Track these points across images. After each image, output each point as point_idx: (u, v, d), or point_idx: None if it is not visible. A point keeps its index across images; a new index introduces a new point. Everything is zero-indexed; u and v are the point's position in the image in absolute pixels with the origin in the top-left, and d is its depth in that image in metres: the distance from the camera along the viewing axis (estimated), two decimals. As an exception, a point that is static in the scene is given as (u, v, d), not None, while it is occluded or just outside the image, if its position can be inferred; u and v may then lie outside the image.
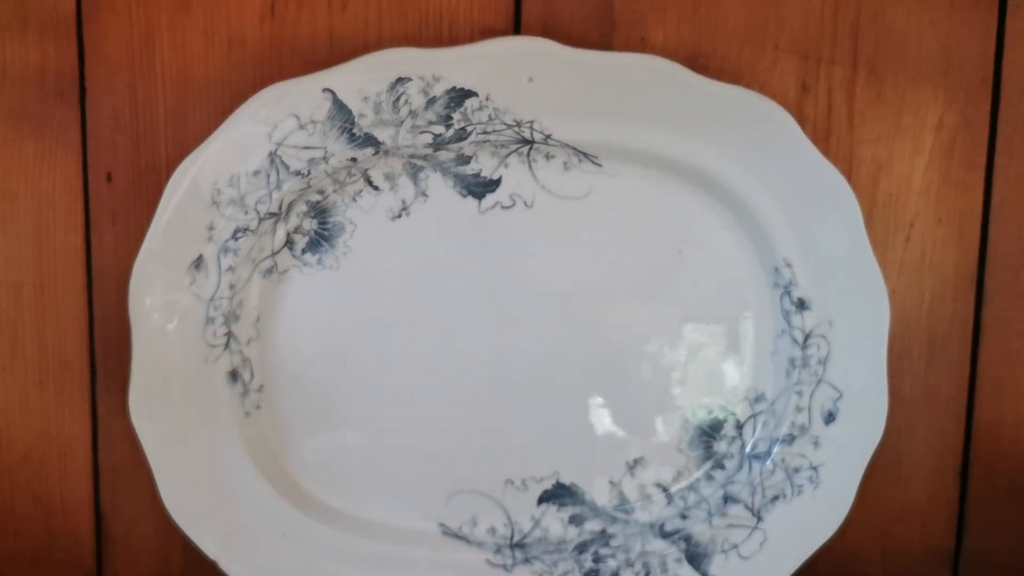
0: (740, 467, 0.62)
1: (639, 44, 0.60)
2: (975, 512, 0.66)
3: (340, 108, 0.57)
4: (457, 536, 0.62)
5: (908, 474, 0.65)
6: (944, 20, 0.61)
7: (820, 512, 0.60)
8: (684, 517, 0.62)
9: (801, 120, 0.61)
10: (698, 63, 0.60)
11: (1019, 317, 0.64)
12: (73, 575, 0.64)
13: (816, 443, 0.60)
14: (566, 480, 0.63)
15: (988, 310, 0.64)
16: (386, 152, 0.58)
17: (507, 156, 0.60)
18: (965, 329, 0.64)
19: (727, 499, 0.62)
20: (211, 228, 0.58)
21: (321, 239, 0.61)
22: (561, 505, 0.63)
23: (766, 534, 0.61)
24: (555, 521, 0.63)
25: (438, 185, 0.60)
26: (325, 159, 0.58)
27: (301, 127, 0.57)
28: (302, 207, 0.60)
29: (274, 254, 0.60)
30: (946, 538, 0.66)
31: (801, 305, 0.60)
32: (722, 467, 0.62)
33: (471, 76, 0.57)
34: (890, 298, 0.62)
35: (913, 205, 0.63)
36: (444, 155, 0.59)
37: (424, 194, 0.60)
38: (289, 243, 0.60)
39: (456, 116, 0.57)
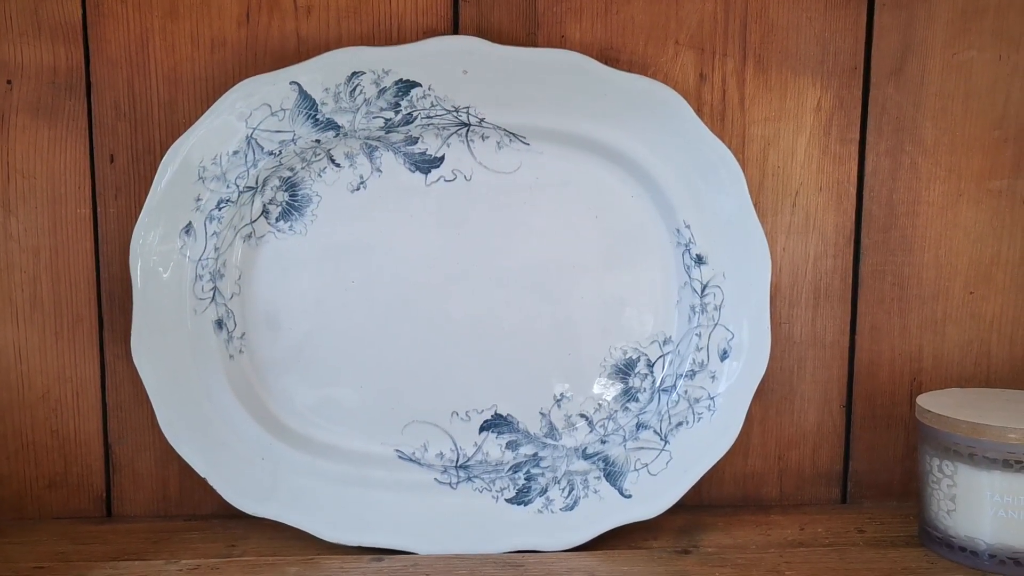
0: (651, 399, 0.68)
1: (559, 41, 0.67)
2: (859, 439, 0.72)
3: (305, 98, 0.62)
4: (411, 460, 0.68)
5: (800, 407, 0.72)
6: (820, 17, 0.68)
7: (716, 434, 0.65)
8: (603, 442, 0.68)
9: (699, 105, 0.68)
10: (610, 57, 0.67)
11: (891, 270, 0.71)
12: (85, 497, 0.69)
13: (713, 377, 0.66)
14: (503, 411, 0.68)
15: (864, 264, 0.71)
16: (345, 134, 0.64)
17: (448, 137, 0.66)
18: (845, 281, 0.71)
19: (639, 426, 0.68)
20: (198, 199, 0.64)
21: (292, 209, 0.66)
22: (499, 433, 0.68)
23: (671, 454, 0.66)
24: (494, 446, 0.68)
25: (390, 162, 0.66)
26: (294, 141, 0.63)
27: (273, 114, 0.62)
28: (275, 182, 0.65)
29: (252, 222, 0.66)
30: (834, 461, 0.73)
31: (699, 260, 0.66)
32: (636, 399, 0.68)
33: (416, 69, 0.63)
34: (780, 255, 0.70)
35: (798, 176, 0.69)
36: (395, 136, 0.65)
37: (379, 170, 0.66)
38: (265, 212, 0.66)
39: (403, 103, 0.63)
